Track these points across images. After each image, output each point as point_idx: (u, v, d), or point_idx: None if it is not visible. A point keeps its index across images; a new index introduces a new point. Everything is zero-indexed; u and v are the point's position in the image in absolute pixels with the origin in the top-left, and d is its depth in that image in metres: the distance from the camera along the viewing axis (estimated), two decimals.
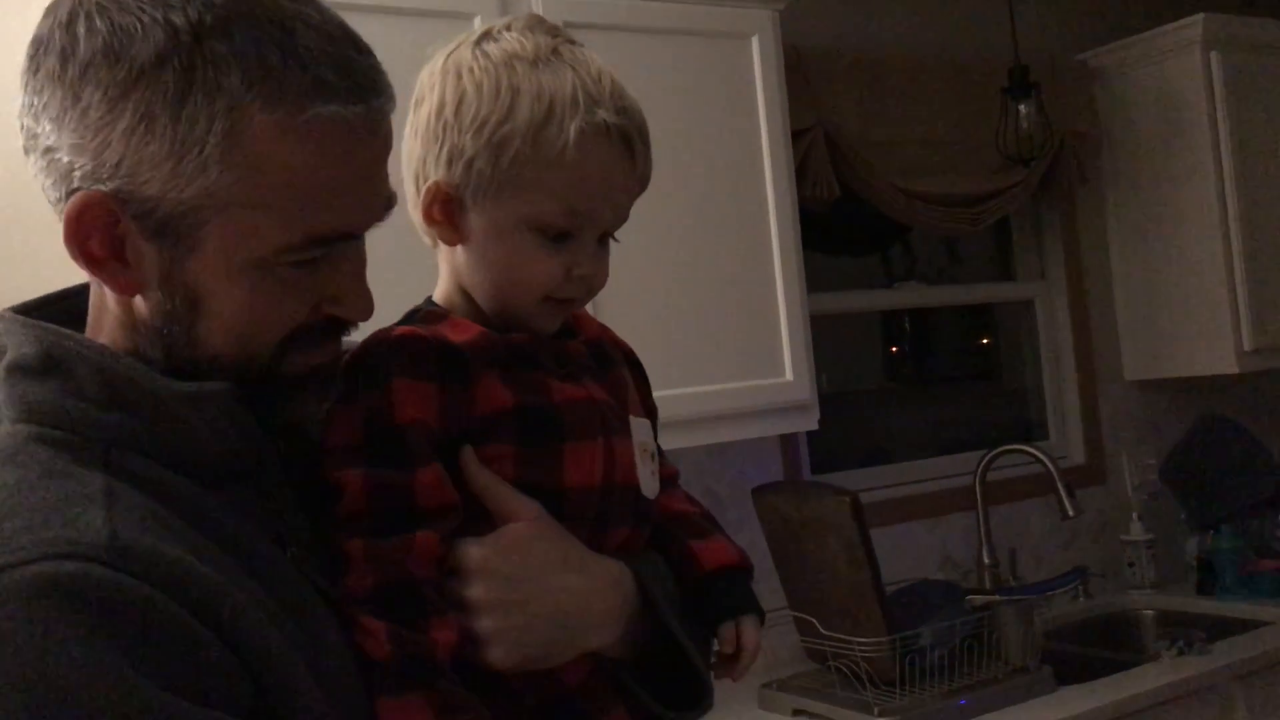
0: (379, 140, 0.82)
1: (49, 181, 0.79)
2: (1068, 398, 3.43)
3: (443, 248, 0.98)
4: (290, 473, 0.88)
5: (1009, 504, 3.12)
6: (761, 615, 1.03)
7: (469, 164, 0.91)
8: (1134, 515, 3.24)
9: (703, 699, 0.98)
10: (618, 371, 1.02)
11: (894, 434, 3.32)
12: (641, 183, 0.96)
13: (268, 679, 0.74)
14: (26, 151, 0.80)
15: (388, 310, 0.96)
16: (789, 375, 2.43)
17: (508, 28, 0.94)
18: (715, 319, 2.34)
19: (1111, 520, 3.34)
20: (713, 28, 2.37)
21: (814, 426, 2.51)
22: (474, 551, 0.88)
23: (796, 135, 2.63)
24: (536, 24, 0.95)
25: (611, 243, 0.99)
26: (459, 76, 0.92)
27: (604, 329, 1.05)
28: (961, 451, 3.19)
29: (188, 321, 0.80)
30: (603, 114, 0.90)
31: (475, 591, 0.87)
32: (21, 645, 0.67)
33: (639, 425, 1.00)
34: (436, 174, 0.93)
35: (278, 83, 0.75)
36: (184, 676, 0.70)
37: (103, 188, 0.76)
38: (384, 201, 0.84)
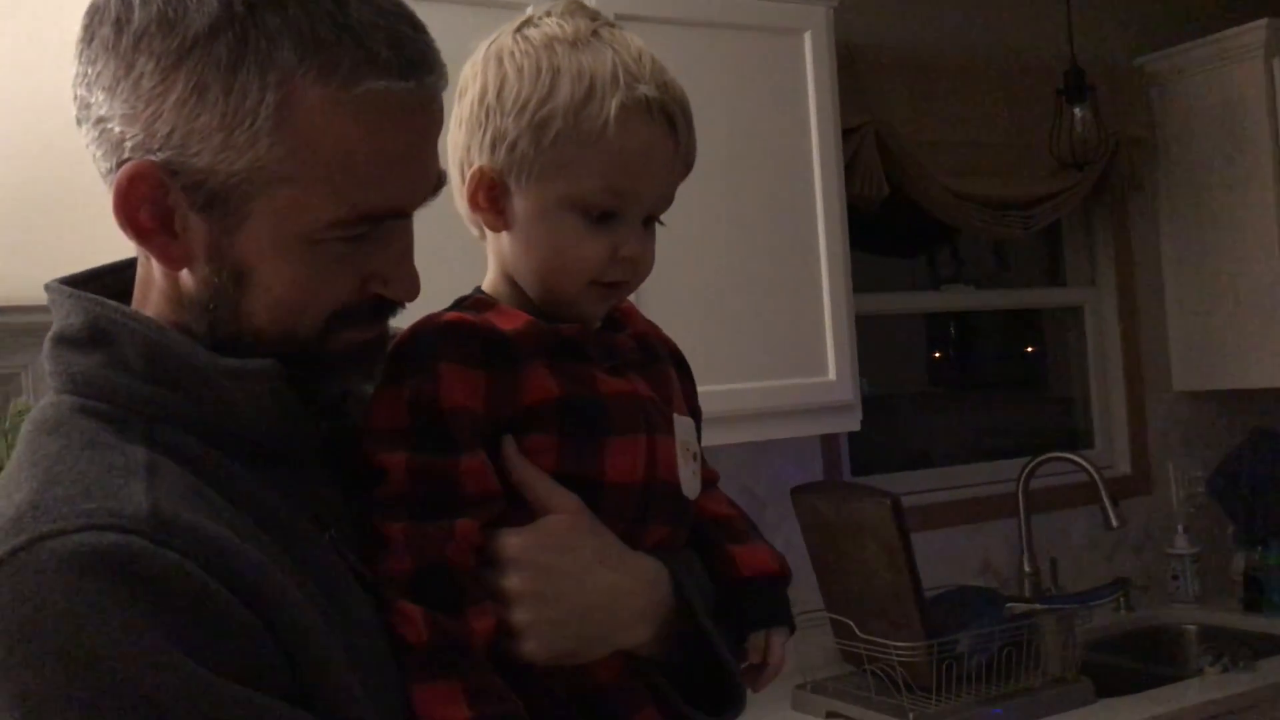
0: (430, 117, 0.81)
1: (100, 152, 0.79)
2: (1115, 407, 3.38)
3: (489, 236, 0.97)
4: (331, 454, 0.88)
5: (1051, 512, 3.08)
6: (792, 628, 1.02)
7: (512, 146, 0.91)
8: (1179, 528, 3.19)
9: (734, 703, 0.97)
10: (664, 368, 1.01)
11: (935, 438, 3.29)
12: (685, 163, 0.95)
13: (304, 657, 0.74)
14: (79, 122, 0.80)
15: (439, 301, 0.95)
16: (832, 375, 2.41)
17: (548, 14, 0.94)
18: (759, 316, 2.33)
19: (1156, 532, 3.29)
20: (765, 23, 2.35)
21: (856, 427, 2.49)
22: (512, 541, 0.87)
23: (847, 133, 2.61)
24: (576, 9, 0.95)
25: (657, 229, 0.98)
26: (500, 62, 0.93)
27: (651, 325, 1.04)
28: (1004, 458, 3.15)
29: (234, 296, 0.80)
30: (643, 90, 0.90)
31: (511, 582, 0.86)
32: (61, 614, 0.67)
33: (682, 424, 0.99)
34: (480, 160, 0.93)
35: (330, 56, 0.75)
36: (220, 651, 0.70)
37: (153, 158, 0.76)
38: (434, 180, 0.84)
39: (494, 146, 0.92)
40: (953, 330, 3.47)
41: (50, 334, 0.83)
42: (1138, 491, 3.30)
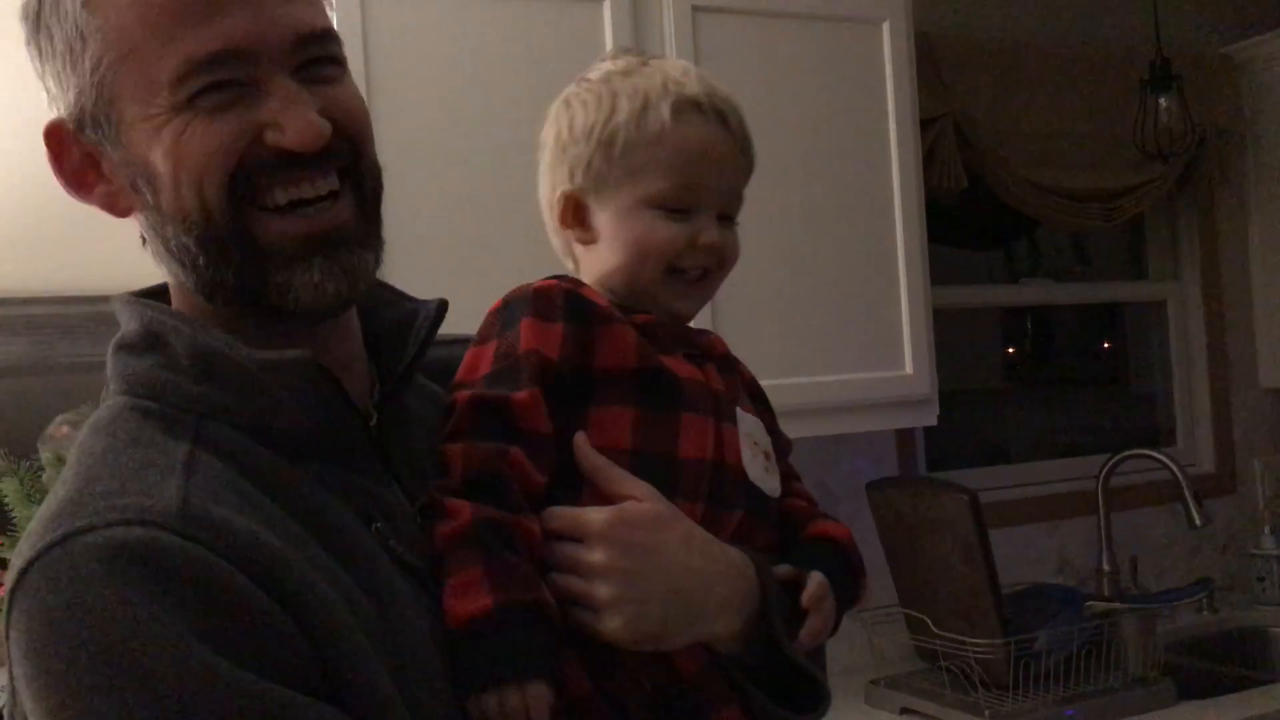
0: None
1: None
2: (1198, 403, 3.31)
3: (581, 256, 1.03)
4: (385, 451, 0.89)
5: (1131, 510, 3.02)
6: (855, 597, 1.03)
7: (587, 166, 1.00)
8: (1265, 528, 3.11)
9: (818, 704, 0.96)
10: (736, 381, 1.05)
11: (1013, 434, 3.24)
12: (746, 161, 1.03)
13: (332, 652, 0.74)
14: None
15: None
16: (909, 369, 2.38)
17: (600, 61, 1.06)
18: (835, 308, 2.31)
19: (1240, 532, 3.21)
20: (843, 12, 2.33)
21: (933, 422, 2.46)
22: (598, 517, 0.88)
23: (925, 124, 2.58)
24: (623, 50, 1.08)
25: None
26: (567, 105, 1.03)
27: (734, 356, 1.08)
28: (1083, 455, 3.09)
29: (156, 201, 0.82)
30: (691, 91, 0.99)
31: (596, 556, 0.87)
32: (89, 607, 0.68)
33: (746, 418, 1.01)
34: (563, 186, 1.02)
35: None
36: (246, 646, 0.70)
37: (60, 116, 0.84)
38: (284, 23, 0.81)
39: (572, 173, 1.01)
40: (1029, 324, 3.41)
41: (113, 341, 0.87)
42: (1222, 490, 3.22)
